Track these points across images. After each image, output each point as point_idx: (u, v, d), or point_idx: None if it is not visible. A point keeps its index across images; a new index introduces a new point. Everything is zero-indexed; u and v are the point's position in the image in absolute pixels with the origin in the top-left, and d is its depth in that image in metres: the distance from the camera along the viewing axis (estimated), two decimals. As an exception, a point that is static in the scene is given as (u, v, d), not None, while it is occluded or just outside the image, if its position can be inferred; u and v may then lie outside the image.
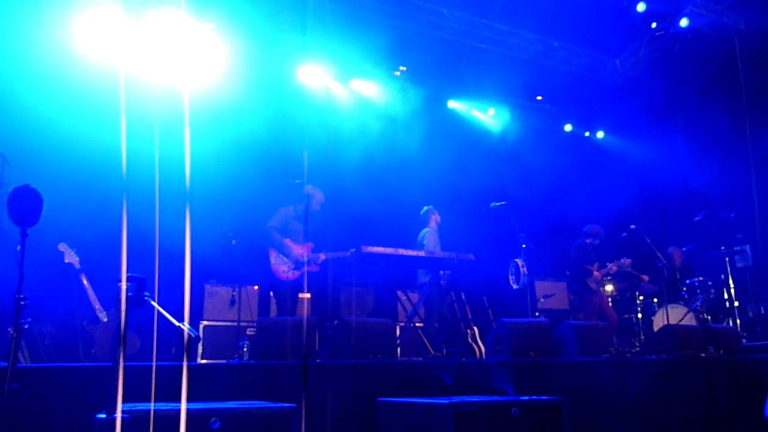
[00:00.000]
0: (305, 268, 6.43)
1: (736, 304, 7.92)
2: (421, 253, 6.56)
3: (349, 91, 9.20)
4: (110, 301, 5.74)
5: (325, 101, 8.90)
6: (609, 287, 8.18)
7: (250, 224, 6.59)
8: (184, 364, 3.44)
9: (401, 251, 6.29)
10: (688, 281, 8.33)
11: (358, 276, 7.39)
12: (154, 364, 3.50)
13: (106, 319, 5.77)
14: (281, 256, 6.46)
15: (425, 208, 7.60)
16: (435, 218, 7.51)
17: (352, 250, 6.19)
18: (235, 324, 6.47)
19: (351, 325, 5.21)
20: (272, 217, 6.61)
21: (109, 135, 5.30)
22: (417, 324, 6.94)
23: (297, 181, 6.65)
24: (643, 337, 7.57)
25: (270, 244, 6.49)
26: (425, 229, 7.45)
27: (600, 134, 11.19)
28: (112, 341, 5.49)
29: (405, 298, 6.94)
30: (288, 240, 6.50)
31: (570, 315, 8.60)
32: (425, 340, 6.37)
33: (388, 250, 6.17)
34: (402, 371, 4.54)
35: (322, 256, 6.50)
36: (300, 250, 6.45)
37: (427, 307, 7.00)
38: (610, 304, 8.07)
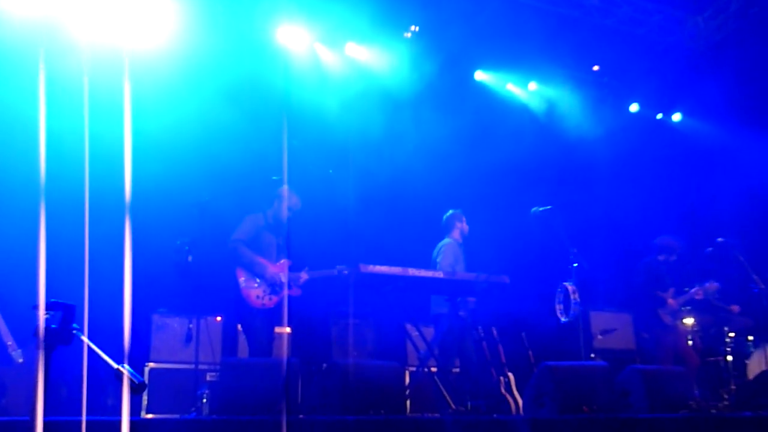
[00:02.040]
0: (284, 293, 6.37)
1: None
2: (439, 274, 6.54)
3: (343, 59, 9.21)
4: (27, 335, 5.74)
5: (313, 72, 8.90)
6: (688, 320, 8.15)
7: (213, 235, 6.59)
8: (124, 419, 3.43)
9: (412, 271, 6.28)
10: (794, 313, 8.30)
11: (356, 304, 7.39)
12: (83, 419, 3.49)
13: (21, 360, 5.77)
14: (253, 277, 6.40)
15: (449, 212, 7.59)
16: (461, 227, 7.48)
17: (342, 267, 6.17)
18: (192, 367, 6.46)
19: (345, 370, 5.20)
20: (238, 228, 6.54)
21: (24, 115, 5.30)
22: (433, 369, 6.93)
23: (274, 177, 6.65)
24: (734, 387, 7.54)
25: (237, 262, 6.41)
26: (444, 241, 7.44)
27: (676, 117, 11.22)
28: (29, 388, 5.48)
29: (417, 333, 6.92)
30: (260, 257, 6.46)
31: (636, 357, 8.58)
32: (443, 390, 6.35)
33: (395, 270, 6.16)
34: (413, 431, 4.53)
35: (305, 276, 6.44)
36: (275, 269, 6.42)
37: (447, 347, 6.98)
38: (690, 342, 8.04)
